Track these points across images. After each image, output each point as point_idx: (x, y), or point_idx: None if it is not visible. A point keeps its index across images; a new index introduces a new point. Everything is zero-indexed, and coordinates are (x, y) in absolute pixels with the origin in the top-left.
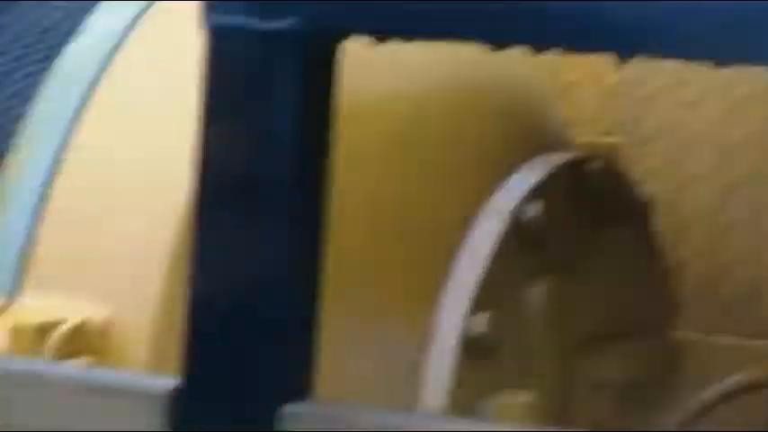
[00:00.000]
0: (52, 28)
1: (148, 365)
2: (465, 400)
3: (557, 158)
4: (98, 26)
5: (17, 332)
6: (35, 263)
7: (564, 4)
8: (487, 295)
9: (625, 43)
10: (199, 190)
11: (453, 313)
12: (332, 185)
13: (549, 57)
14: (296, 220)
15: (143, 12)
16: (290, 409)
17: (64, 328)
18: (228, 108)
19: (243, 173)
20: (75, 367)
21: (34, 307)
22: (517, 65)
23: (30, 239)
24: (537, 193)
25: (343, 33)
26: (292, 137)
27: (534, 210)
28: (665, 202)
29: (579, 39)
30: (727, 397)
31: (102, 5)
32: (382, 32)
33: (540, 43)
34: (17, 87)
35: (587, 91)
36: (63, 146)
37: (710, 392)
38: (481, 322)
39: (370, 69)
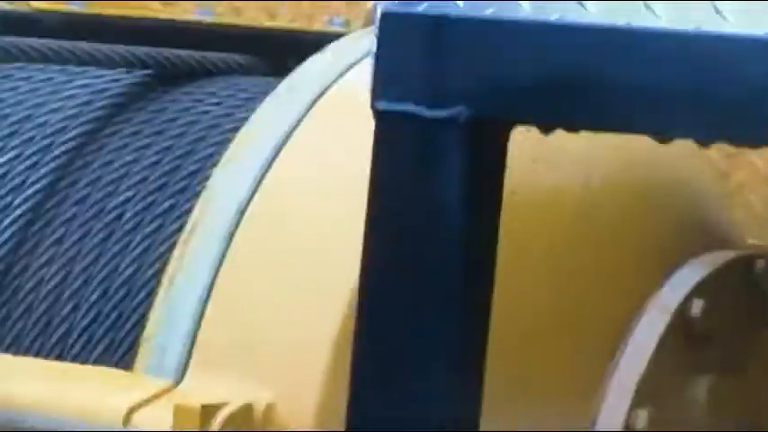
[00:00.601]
0: (216, 125)
1: None
2: None
3: (723, 255)
4: (267, 115)
5: (182, 413)
6: (201, 345)
7: (732, 96)
8: (649, 390)
9: None
10: (364, 275)
11: (615, 407)
12: (496, 275)
13: (718, 156)
14: (460, 308)
15: (313, 102)
16: None
17: (227, 410)
18: (396, 194)
19: (408, 258)
20: None
21: (199, 389)
22: (685, 163)
23: (196, 323)
24: (703, 289)
25: (511, 123)
26: (459, 224)
27: (700, 306)
28: None
29: (746, 133)
30: None
31: (275, 96)
32: (549, 122)
33: (705, 136)
34: (182, 185)
35: (756, 192)
36: (231, 232)
37: None
38: (642, 417)
39: (536, 160)
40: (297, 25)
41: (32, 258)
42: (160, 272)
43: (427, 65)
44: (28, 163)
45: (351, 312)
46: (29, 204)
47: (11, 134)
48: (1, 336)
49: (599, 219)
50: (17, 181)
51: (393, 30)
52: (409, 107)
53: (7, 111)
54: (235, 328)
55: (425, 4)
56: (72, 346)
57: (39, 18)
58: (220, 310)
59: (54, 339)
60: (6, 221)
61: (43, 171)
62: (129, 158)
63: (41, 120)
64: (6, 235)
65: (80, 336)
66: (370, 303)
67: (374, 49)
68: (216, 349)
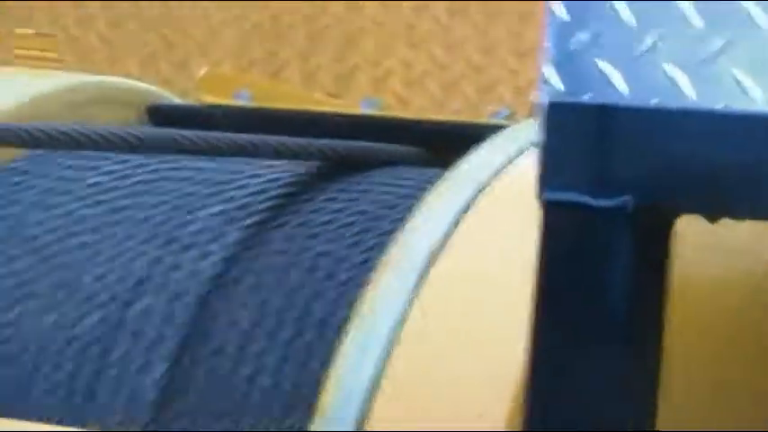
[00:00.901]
0: (382, 216)
1: None
2: None
3: None
4: (432, 207)
5: None
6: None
7: None
8: None
9: None
10: (531, 367)
11: None
12: (663, 364)
13: None
14: (629, 395)
15: (477, 193)
16: None
17: None
18: (562, 283)
19: (575, 346)
20: None
21: None
22: None
23: (366, 409)
24: None
25: (677, 212)
26: (625, 313)
27: None
28: None
29: None
30: None
31: (439, 187)
32: (715, 211)
33: None
34: (347, 275)
35: None
36: (400, 321)
37: None
38: None
39: (702, 250)
40: (462, 117)
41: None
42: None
43: (593, 154)
44: (198, 254)
45: (518, 407)
46: (200, 292)
47: (181, 225)
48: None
49: (765, 305)
50: (186, 271)
51: (558, 119)
52: (575, 197)
53: (177, 202)
54: (406, 410)
55: (590, 94)
56: (249, 408)
57: (208, 112)
58: (392, 391)
59: (232, 405)
60: (179, 307)
61: (213, 260)
62: (298, 249)
63: (213, 210)
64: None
65: (257, 400)
66: (537, 397)
67: (539, 139)
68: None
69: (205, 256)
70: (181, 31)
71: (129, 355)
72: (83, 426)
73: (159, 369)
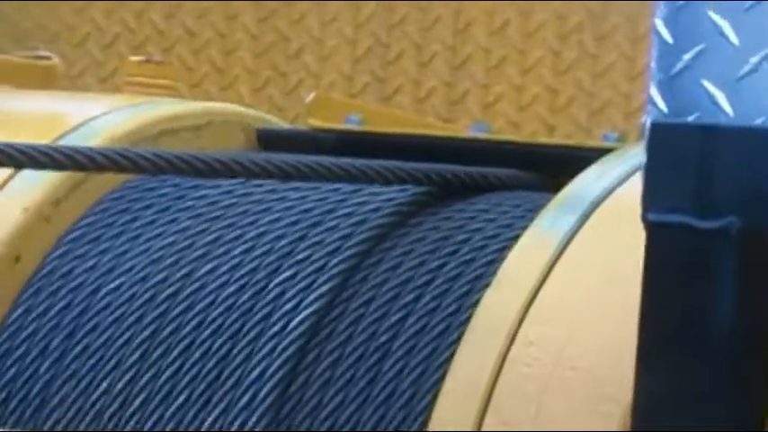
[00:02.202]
0: (486, 245)
1: None
2: None
3: None
4: (541, 230)
5: None
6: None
7: None
8: None
9: None
10: (638, 390)
11: None
12: None
13: None
14: (735, 415)
15: (585, 217)
16: None
17: None
18: (668, 303)
19: (681, 365)
20: None
21: None
22: None
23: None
24: None
25: None
26: (731, 332)
27: None
28: None
29: None
30: None
31: (548, 211)
32: None
33: None
34: (454, 307)
35: None
36: (505, 349)
37: None
38: None
39: None
40: (571, 141)
41: (317, 365)
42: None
43: (697, 176)
44: (302, 285)
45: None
46: (309, 320)
47: (286, 254)
48: (300, 409)
49: None
50: (293, 303)
51: (663, 141)
52: (680, 218)
53: (282, 231)
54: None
55: (696, 115)
56: (367, 420)
57: (316, 136)
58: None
59: (348, 413)
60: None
61: (319, 292)
62: (403, 278)
63: (317, 239)
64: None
65: (375, 411)
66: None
67: (644, 161)
68: None
69: (306, 289)
70: (292, 59)
71: (251, 354)
72: None
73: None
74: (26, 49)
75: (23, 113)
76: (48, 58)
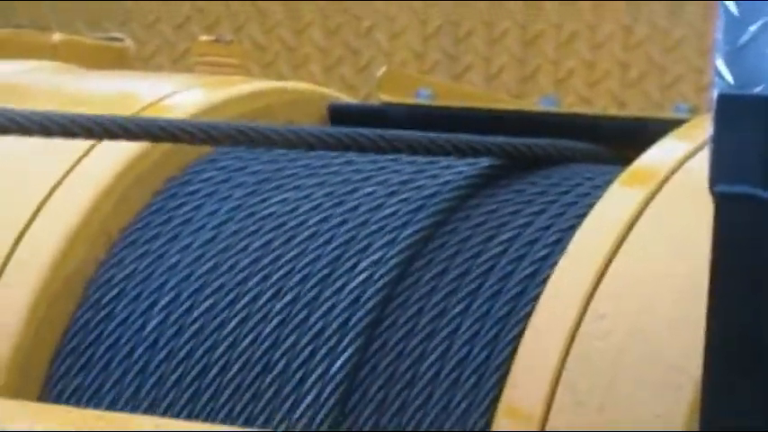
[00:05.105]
0: (560, 213)
1: None
2: None
3: None
4: (611, 204)
5: None
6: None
7: None
8: None
9: None
10: (709, 356)
11: None
12: None
13: None
14: None
15: (656, 189)
16: None
17: None
18: (737, 275)
19: (750, 340)
20: None
21: None
22: None
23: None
24: None
25: None
26: None
27: None
28: None
29: None
30: None
31: (618, 184)
32: None
33: None
34: (529, 270)
35: None
36: (576, 323)
37: None
38: None
39: None
40: (642, 113)
41: (390, 336)
42: (510, 358)
43: (763, 146)
44: (374, 258)
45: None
46: (381, 292)
47: (361, 224)
48: (364, 406)
49: None
50: (364, 275)
51: (730, 113)
52: (747, 189)
53: (357, 203)
54: (585, 410)
55: (761, 87)
56: (430, 410)
57: (387, 111)
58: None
59: (413, 408)
60: (359, 313)
61: (390, 264)
62: (476, 249)
63: (390, 210)
64: (361, 319)
65: (438, 402)
66: (714, 395)
67: (712, 132)
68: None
69: (378, 262)
70: (364, 37)
71: (318, 337)
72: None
73: (346, 354)
74: (99, 31)
75: (96, 93)
76: (120, 39)
